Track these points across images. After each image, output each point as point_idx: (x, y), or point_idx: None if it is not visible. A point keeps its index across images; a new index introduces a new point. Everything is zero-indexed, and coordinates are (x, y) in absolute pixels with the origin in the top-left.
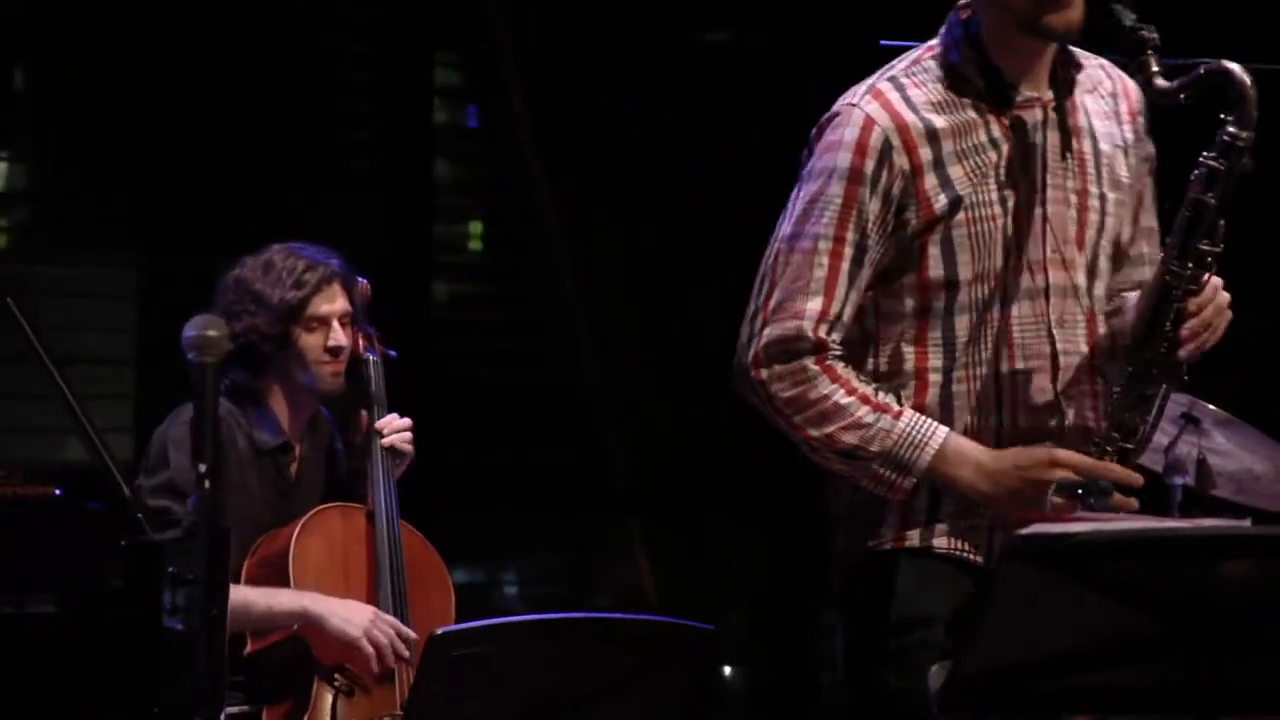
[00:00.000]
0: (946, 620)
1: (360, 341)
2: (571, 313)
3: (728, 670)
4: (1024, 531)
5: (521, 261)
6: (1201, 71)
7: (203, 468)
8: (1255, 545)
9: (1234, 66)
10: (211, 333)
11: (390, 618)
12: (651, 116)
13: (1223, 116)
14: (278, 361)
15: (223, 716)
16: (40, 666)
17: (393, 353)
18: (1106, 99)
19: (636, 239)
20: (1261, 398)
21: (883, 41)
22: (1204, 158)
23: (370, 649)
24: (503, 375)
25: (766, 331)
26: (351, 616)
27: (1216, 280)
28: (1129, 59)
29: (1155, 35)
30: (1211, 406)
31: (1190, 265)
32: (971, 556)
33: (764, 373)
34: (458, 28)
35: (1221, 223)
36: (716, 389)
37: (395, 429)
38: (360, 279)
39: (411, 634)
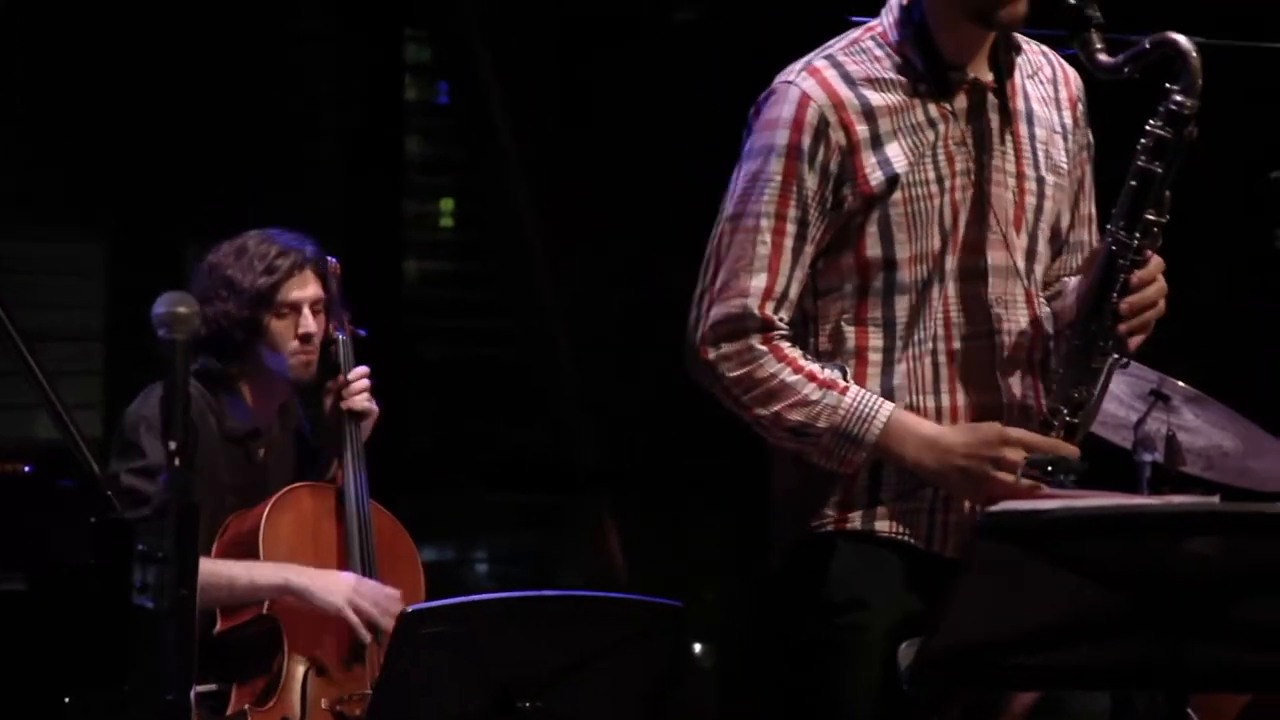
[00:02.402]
0: (883, 604)
1: (330, 322)
2: (542, 291)
3: (697, 647)
4: (993, 509)
5: (492, 240)
6: (1147, 45)
7: (172, 445)
8: (1224, 522)
9: (1179, 36)
10: (182, 309)
11: (371, 581)
12: (621, 93)
13: (1168, 86)
14: (249, 348)
15: (193, 695)
16: (10, 644)
17: (361, 331)
18: (1046, 85)
19: (607, 216)
20: (1230, 374)
21: (850, 17)
22: (1150, 126)
23: (355, 617)
24: (473, 353)
25: (713, 312)
26: (333, 586)
27: (1159, 260)
28: (1071, 36)
29: (1098, 14)
30: (1180, 383)
31: (1137, 235)
32: (911, 540)
33: (711, 353)
34: (428, 4)
35: (1168, 193)
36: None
37: (353, 391)
38: (330, 258)
39: (395, 591)
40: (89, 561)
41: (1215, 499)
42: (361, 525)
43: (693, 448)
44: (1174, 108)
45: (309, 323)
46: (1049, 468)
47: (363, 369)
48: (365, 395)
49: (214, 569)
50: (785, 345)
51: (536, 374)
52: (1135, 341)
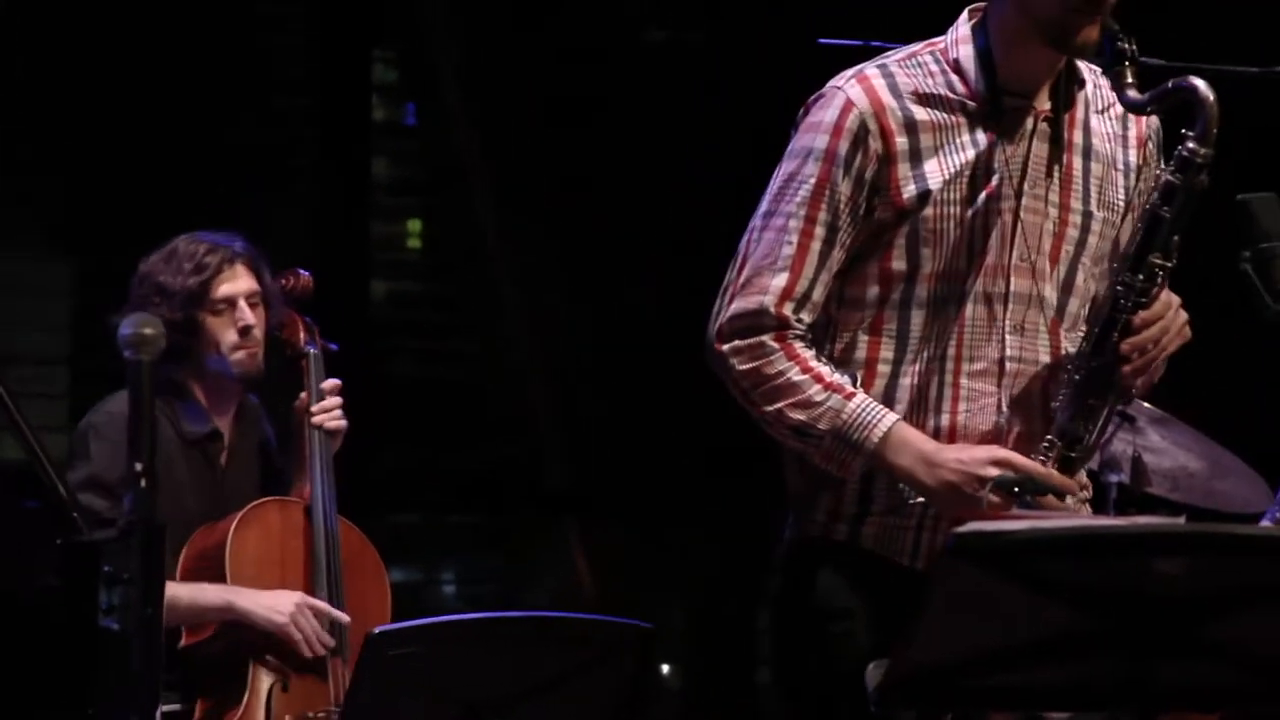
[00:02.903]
0: (867, 618)
1: (302, 334)
2: (509, 311)
3: (665, 669)
4: (960, 529)
5: (460, 260)
6: (1169, 86)
7: (138, 466)
8: (1190, 543)
9: (1199, 83)
10: (148, 330)
11: (317, 601)
12: (590, 114)
13: (1184, 132)
14: (188, 349)
15: (158, 714)
16: None
17: (333, 346)
18: (1115, 121)
19: (575, 237)
20: (1196, 395)
21: (821, 40)
22: (1161, 171)
23: (298, 634)
24: (440, 374)
25: (732, 306)
26: (277, 604)
27: (1174, 298)
28: (1106, 69)
29: (1133, 46)
30: (1146, 404)
31: (1141, 277)
32: (893, 555)
33: (725, 346)
34: (396, 25)
35: (1176, 238)
36: (654, 386)
37: (322, 407)
38: (302, 271)
39: (343, 617)
40: (54, 583)
41: (1181, 520)
42: (329, 542)
43: (661, 467)
44: (1187, 155)
45: (246, 315)
46: (1015, 488)
47: (334, 382)
48: (337, 413)
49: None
50: (798, 345)
51: (503, 394)
52: (1140, 382)
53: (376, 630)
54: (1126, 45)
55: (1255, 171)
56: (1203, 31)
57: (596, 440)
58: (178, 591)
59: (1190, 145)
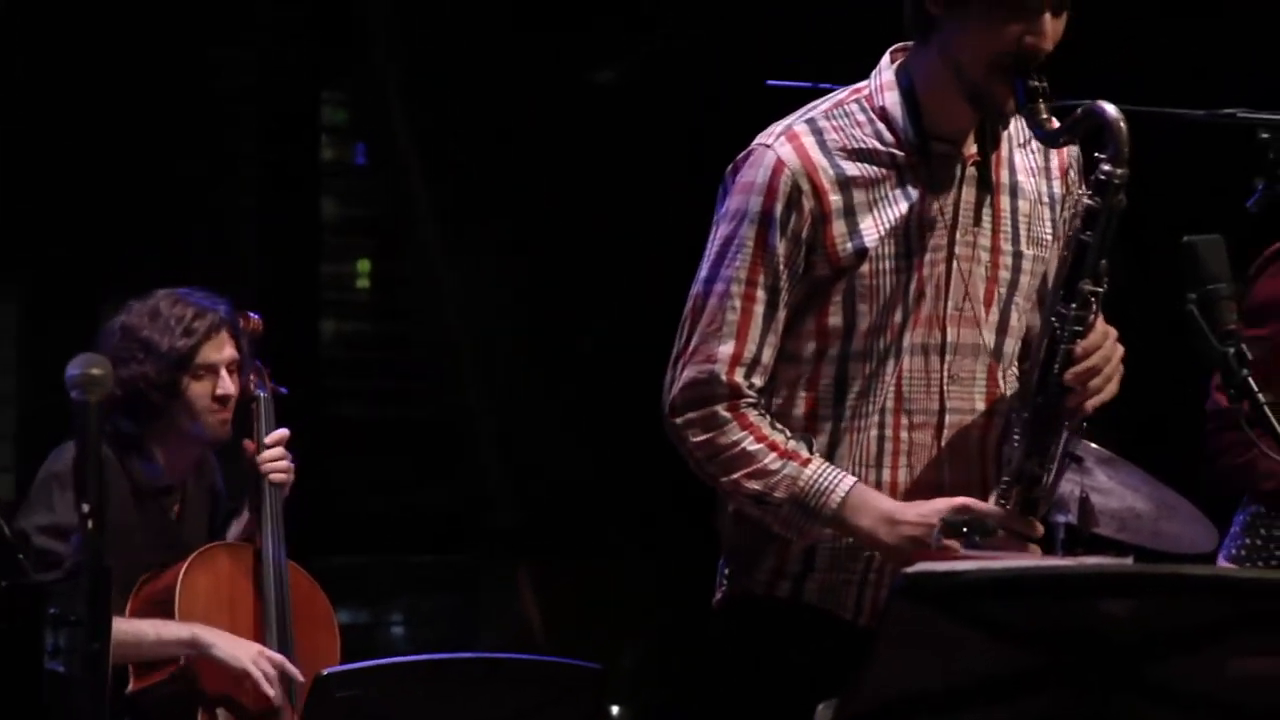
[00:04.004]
0: (811, 674)
1: (251, 377)
2: (459, 351)
3: (615, 710)
4: (909, 570)
5: (409, 300)
6: (1079, 113)
7: (85, 508)
8: (1138, 584)
9: (1107, 107)
10: (95, 371)
11: (276, 654)
12: (540, 155)
13: (1098, 155)
14: (164, 409)
15: None
16: None
17: (282, 390)
18: (1037, 154)
19: (525, 278)
20: (1143, 436)
21: (769, 81)
22: (1080, 195)
23: (258, 673)
24: (390, 414)
25: (684, 375)
26: (239, 647)
27: (1110, 329)
28: (1019, 108)
29: (1044, 83)
30: (1093, 445)
31: (1074, 306)
32: (839, 612)
33: (679, 419)
34: (345, 65)
35: (1104, 262)
36: (604, 425)
37: (269, 458)
38: (252, 314)
39: (298, 676)
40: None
41: (1129, 560)
42: (279, 586)
43: (611, 508)
44: (1103, 178)
45: (227, 384)
46: (964, 529)
47: (282, 433)
48: (283, 464)
49: (121, 626)
50: (751, 413)
51: (453, 434)
52: (1090, 404)
53: (325, 672)
54: (1037, 83)
55: (1200, 214)
56: (1150, 76)
57: (546, 480)
58: (142, 626)
59: (1105, 168)
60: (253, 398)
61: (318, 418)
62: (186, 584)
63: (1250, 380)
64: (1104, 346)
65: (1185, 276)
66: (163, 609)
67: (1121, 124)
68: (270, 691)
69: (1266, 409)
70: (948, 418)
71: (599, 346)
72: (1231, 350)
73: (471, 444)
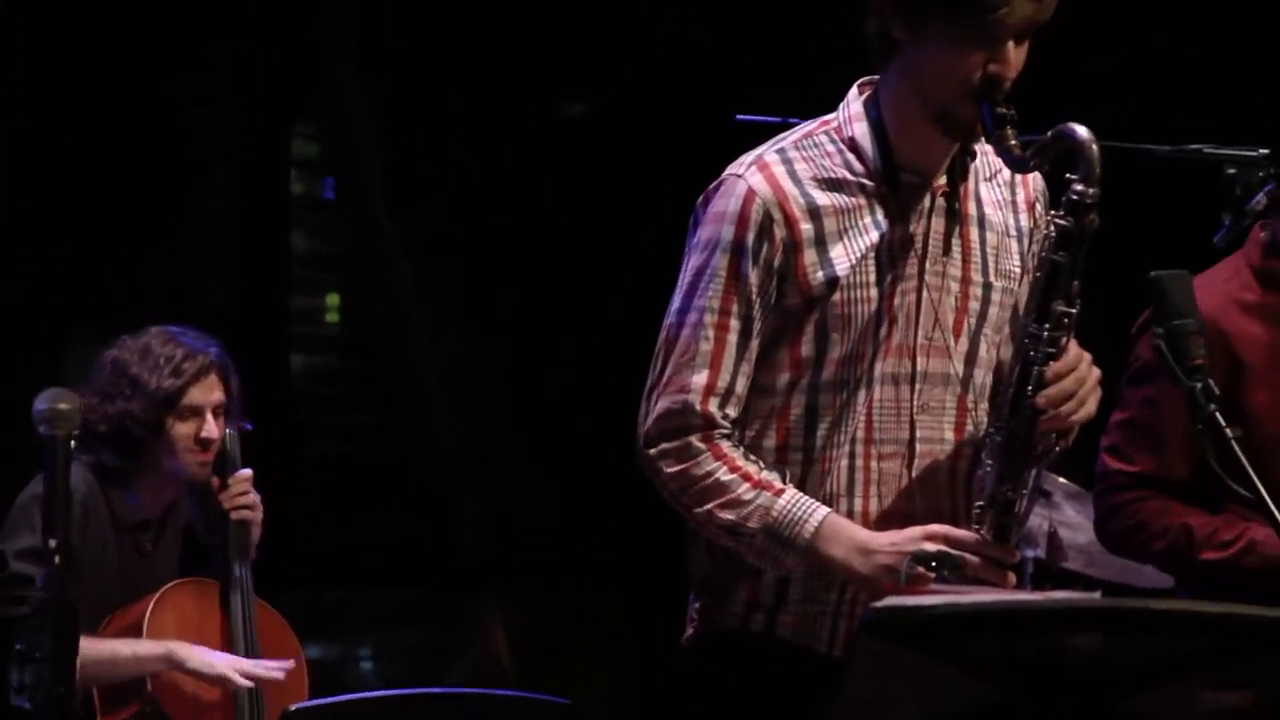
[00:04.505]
0: (787, 707)
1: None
2: (428, 386)
3: None
4: (877, 604)
5: (378, 334)
6: (1048, 136)
7: (52, 543)
8: (1106, 618)
9: (1076, 127)
10: (63, 406)
11: (249, 662)
12: (510, 188)
13: (1068, 176)
14: (147, 447)
15: None
16: None
17: (248, 425)
18: (1003, 187)
19: (494, 312)
20: None
21: (738, 116)
22: (1052, 217)
23: (238, 675)
24: (359, 448)
25: (658, 406)
26: (214, 657)
27: (1084, 354)
28: (987, 136)
29: (1011, 111)
30: (1061, 479)
31: (1047, 327)
32: (813, 645)
33: (652, 450)
34: (316, 100)
35: (1076, 283)
36: (574, 458)
37: (233, 495)
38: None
39: (276, 676)
40: None
41: (1097, 595)
42: (246, 623)
43: (583, 542)
44: (1075, 198)
45: (211, 428)
46: (933, 563)
47: (245, 473)
48: (249, 499)
49: (96, 646)
50: (725, 444)
51: (422, 468)
52: (1059, 426)
53: (292, 708)
54: (1005, 110)
55: (1167, 248)
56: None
57: (516, 514)
58: (117, 645)
59: (1077, 187)
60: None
61: (287, 452)
62: (154, 619)
63: (1218, 415)
64: (1078, 369)
65: (1152, 312)
66: None
67: (1092, 144)
68: (247, 685)
69: (1234, 445)
70: (918, 447)
71: (569, 379)
72: (1198, 385)
73: (441, 478)
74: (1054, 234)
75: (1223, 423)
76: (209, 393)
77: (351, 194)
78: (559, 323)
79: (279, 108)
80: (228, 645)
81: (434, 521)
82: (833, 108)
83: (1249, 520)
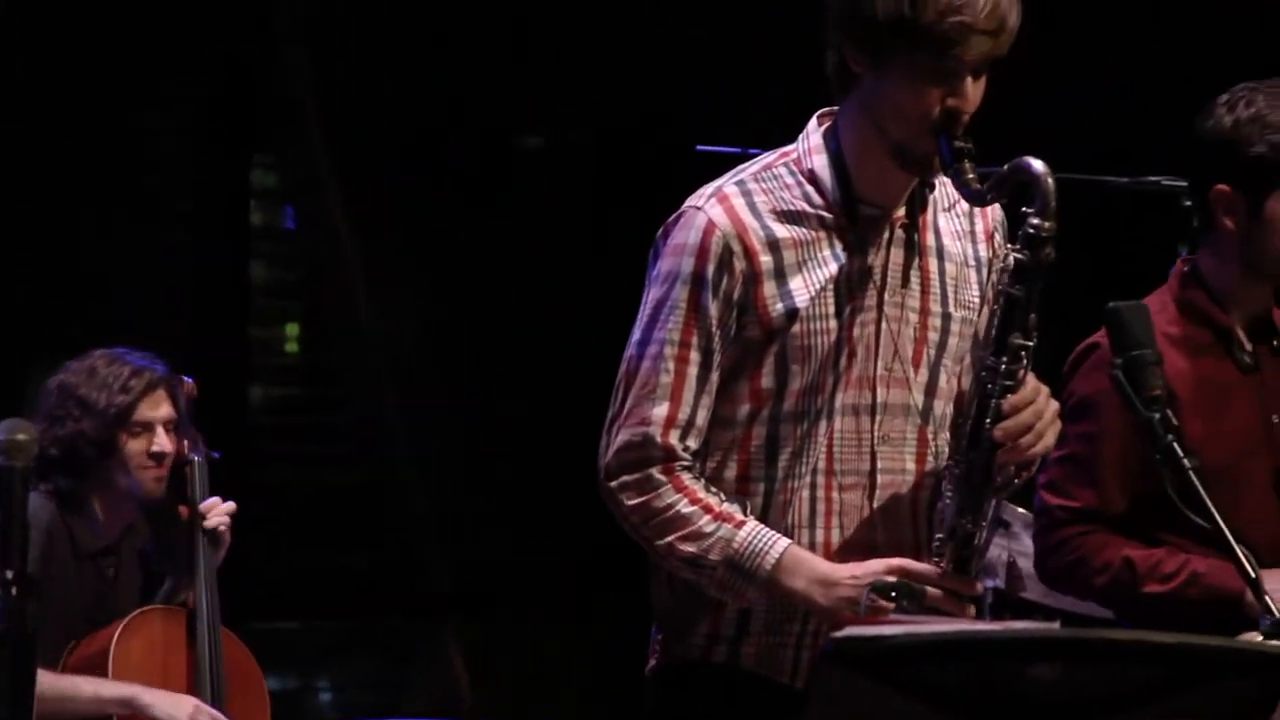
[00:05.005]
0: None
1: (185, 443)
2: (388, 415)
3: None
4: (837, 635)
5: (338, 364)
6: (1005, 170)
7: (9, 574)
8: (1065, 648)
9: (1033, 161)
10: (21, 436)
11: (212, 710)
12: (470, 219)
13: (1024, 210)
14: (100, 466)
15: None
16: None
17: (216, 454)
18: (962, 218)
19: (455, 342)
20: None
21: (699, 146)
22: (1008, 249)
23: None
24: (319, 478)
25: (618, 438)
26: (179, 704)
27: (1042, 386)
28: (945, 169)
29: (969, 144)
30: (1020, 509)
31: (1004, 360)
32: (775, 676)
33: (613, 483)
34: (275, 129)
35: (1033, 316)
36: (534, 489)
37: (219, 511)
38: (185, 378)
39: None
40: None
41: (1056, 625)
42: (213, 651)
43: (544, 573)
44: (1031, 231)
45: (163, 441)
46: (893, 594)
47: (213, 501)
48: (226, 507)
49: (57, 683)
50: (686, 476)
51: (382, 498)
52: (1018, 459)
53: None
54: (963, 144)
55: (1125, 279)
56: (1075, 143)
57: (476, 544)
58: (79, 683)
59: (1034, 221)
60: (187, 461)
61: (246, 482)
62: (120, 647)
63: (1175, 446)
64: (1036, 402)
65: (1110, 343)
66: (97, 672)
67: (1048, 178)
68: None
69: (1192, 475)
70: (879, 478)
71: (529, 409)
72: (1157, 415)
73: (401, 508)
74: (1011, 267)
75: (1181, 453)
76: (158, 407)
77: (311, 223)
78: (520, 352)
79: (238, 137)
80: (193, 676)
81: (393, 551)
82: (792, 138)
83: (1189, 553)
